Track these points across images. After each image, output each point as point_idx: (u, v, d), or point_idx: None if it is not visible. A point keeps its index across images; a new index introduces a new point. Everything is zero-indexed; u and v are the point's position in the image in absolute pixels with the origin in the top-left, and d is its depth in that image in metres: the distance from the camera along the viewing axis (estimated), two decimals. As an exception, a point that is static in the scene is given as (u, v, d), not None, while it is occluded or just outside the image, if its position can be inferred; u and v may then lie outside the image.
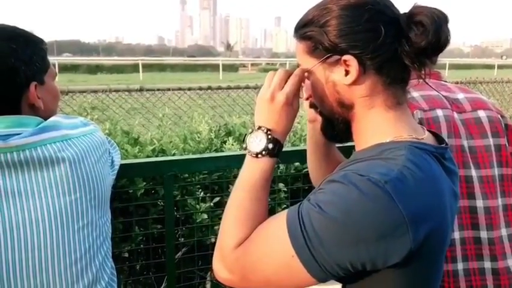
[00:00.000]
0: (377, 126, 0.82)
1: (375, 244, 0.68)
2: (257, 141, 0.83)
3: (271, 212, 1.92)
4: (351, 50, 0.78)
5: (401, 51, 0.77)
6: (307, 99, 0.93)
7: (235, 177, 1.87)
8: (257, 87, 4.73)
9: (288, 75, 0.86)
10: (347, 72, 0.79)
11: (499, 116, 1.35)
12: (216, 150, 2.10)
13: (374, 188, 0.68)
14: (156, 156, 2.01)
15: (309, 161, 1.17)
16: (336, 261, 0.69)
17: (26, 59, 0.97)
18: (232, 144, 2.03)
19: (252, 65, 34.55)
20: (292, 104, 0.85)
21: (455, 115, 1.28)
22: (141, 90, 4.03)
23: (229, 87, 4.56)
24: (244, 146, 0.85)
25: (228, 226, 0.80)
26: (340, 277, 0.72)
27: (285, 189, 1.96)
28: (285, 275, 0.73)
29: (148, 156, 1.95)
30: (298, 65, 0.89)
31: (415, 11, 0.77)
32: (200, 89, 4.36)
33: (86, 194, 0.99)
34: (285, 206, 1.97)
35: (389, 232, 0.68)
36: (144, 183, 1.79)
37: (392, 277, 0.73)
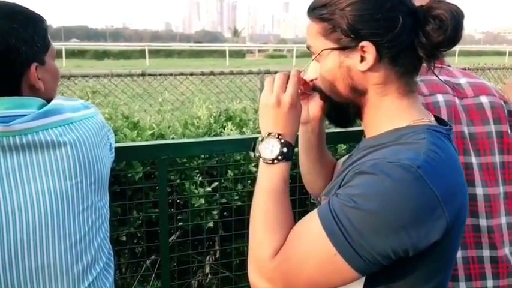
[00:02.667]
0: (391, 112, 0.83)
1: (415, 229, 0.70)
2: (270, 148, 0.82)
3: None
4: (370, 36, 0.78)
5: (417, 42, 0.79)
6: (311, 81, 0.91)
7: (234, 162, 1.91)
8: (260, 73, 4.68)
9: (287, 77, 0.86)
10: (362, 59, 0.80)
11: (502, 102, 1.32)
12: (216, 135, 2.10)
13: (407, 174, 0.70)
14: (155, 140, 2.01)
15: (302, 165, 1.16)
16: (379, 252, 0.70)
17: (27, 38, 0.95)
18: (231, 129, 2.02)
19: (259, 51, 34.33)
20: (296, 105, 0.85)
21: (457, 100, 1.26)
22: (143, 75, 4.01)
23: (232, 73, 4.52)
24: (256, 154, 0.84)
25: (259, 236, 0.80)
26: (382, 267, 0.73)
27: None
28: (329, 275, 0.73)
29: (147, 141, 1.95)
30: (307, 47, 0.88)
31: (434, 5, 0.79)
32: (203, 74, 4.32)
33: (87, 178, 0.99)
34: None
35: (427, 215, 0.70)
36: (142, 167, 1.80)
37: (429, 256, 0.75)
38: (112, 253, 1.12)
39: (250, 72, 4.71)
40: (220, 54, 27.62)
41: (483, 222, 1.17)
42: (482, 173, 1.19)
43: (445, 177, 0.73)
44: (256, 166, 1.96)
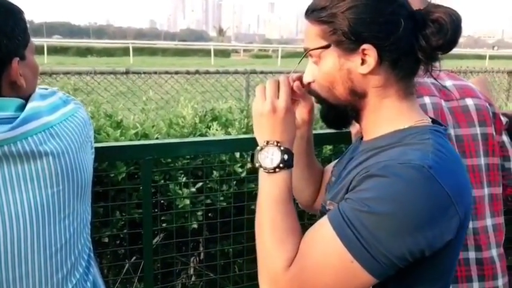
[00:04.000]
0: (392, 114, 0.83)
1: (430, 229, 0.69)
2: (270, 157, 0.82)
3: (256, 197, 1.93)
4: (372, 40, 0.78)
5: (417, 46, 0.79)
6: (308, 84, 0.90)
7: (220, 162, 1.88)
8: (246, 72, 4.66)
9: (278, 83, 0.85)
10: (363, 62, 0.79)
11: (487, 104, 1.34)
12: (201, 135, 2.07)
13: (419, 174, 0.69)
14: (139, 140, 1.97)
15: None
16: (396, 255, 0.69)
17: (8, 31, 0.89)
18: (217, 130, 1.99)
19: (245, 50, 34.29)
20: (291, 110, 0.85)
21: (443, 103, 1.27)
22: (127, 73, 3.95)
23: (217, 72, 4.49)
24: (257, 164, 0.83)
25: (270, 248, 0.78)
26: (399, 270, 0.72)
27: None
28: (346, 282, 0.72)
29: (130, 140, 1.91)
30: (305, 49, 0.87)
31: (432, 9, 0.79)
32: (188, 73, 4.29)
33: (70, 185, 0.95)
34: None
35: (442, 214, 0.70)
36: (125, 167, 1.76)
37: (441, 255, 0.74)
38: (93, 255, 1.09)
39: (236, 72, 4.68)
40: (205, 53, 27.50)
41: (469, 224, 1.18)
42: (468, 175, 1.20)
43: (454, 176, 0.74)
44: (242, 167, 1.96)
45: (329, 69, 0.82)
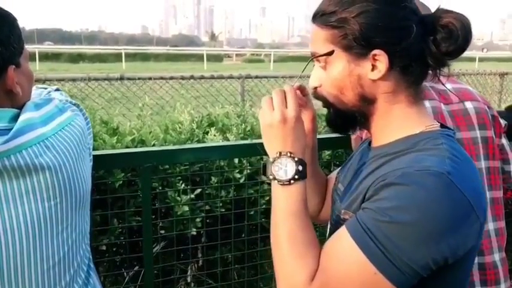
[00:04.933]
0: (402, 120, 0.82)
1: (453, 236, 0.68)
2: (284, 168, 0.80)
3: (255, 203, 1.92)
4: (383, 45, 0.77)
5: (427, 51, 0.78)
6: (315, 89, 0.89)
7: (218, 168, 1.87)
8: (241, 77, 4.66)
9: (284, 93, 0.83)
10: (373, 67, 0.78)
11: (486, 107, 1.34)
12: (198, 141, 2.05)
13: (440, 181, 0.68)
14: (136, 147, 1.95)
15: None
16: (420, 264, 0.68)
17: (3, 38, 0.87)
18: (215, 135, 1.98)
19: (237, 55, 34.34)
20: (301, 118, 0.83)
21: (443, 106, 1.26)
22: (121, 79, 3.92)
23: (212, 77, 4.48)
24: (270, 177, 0.80)
25: (290, 263, 0.76)
26: (421, 278, 0.71)
27: (268, 181, 1.92)
28: None
29: (127, 147, 1.89)
30: (312, 54, 0.85)
31: (441, 14, 0.78)
32: (182, 78, 4.27)
33: (68, 198, 0.93)
34: (268, 197, 1.94)
35: (463, 221, 0.69)
36: (123, 174, 1.74)
37: (463, 261, 0.74)
38: (93, 265, 1.06)
39: (231, 77, 4.67)
40: (198, 58, 27.48)
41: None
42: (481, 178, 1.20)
43: (472, 182, 0.73)
44: (240, 172, 1.95)
45: (338, 74, 0.81)
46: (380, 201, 0.71)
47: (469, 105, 1.33)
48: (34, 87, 1.09)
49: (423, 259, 0.68)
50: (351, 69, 0.80)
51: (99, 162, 1.15)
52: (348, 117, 0.85)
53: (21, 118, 0.89)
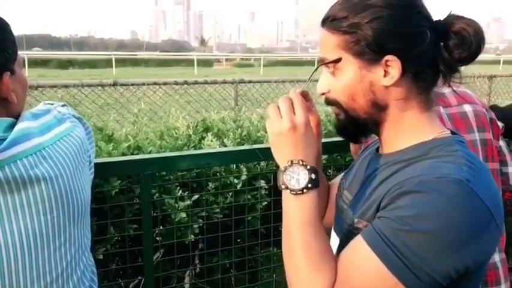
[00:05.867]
0: (414, 127, 0.81)
1: (474, 244, 0.67)
2: (296, 177, 0.77)
3: (253, 209, 1.90)
4: (396, 51, 0.75)
5: (439, 58, 0.77)
6: (323, 94, 0.87)
7: (215, 174, 1.85)
8: (234, 82, 4.65)
9: (290, 99, 0.81)
10: (386, 73, 0.77)
11: (484, 109, 1.35)
12: (195, 147, 2.04)
13: (460, 189, 0.67)
14: (132, 153, 1.93)
15: None
16: (441, 274, 0.67)
17: None
18: (212, 141, 1.96)
19: (227, 60, 34.35)
20: (310, 124, 0.80)
21: (442, 109, 1.26)
22: (114, 85, 3.88)
23: (206, 82, 4.47)
24: (282, 186, 0.78)
25: (307, 275, 0.74)
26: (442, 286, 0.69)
27: (266, 186, 1.92)
28: None
29: (123, 154, 1.87)
30: (321, 60, 0.83)
31: (453, 20, 0.78)
32: (176, 83, 4.24)
33: (65, 211, 0.88)
34: (265, 203, 1.93)
35: (484, 229, 0.68)
36: (119, 181, 1.72)
37: (481, 268, 0.73)
38: (96, 279, 1.03)
39: (224, 82, 4.66)
40: (188, 63, 27.43)
41: None
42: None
43: (490, 189, 0.72)
44: (238, 178, 1.93)
45: (349, 80, 0.79)
46: (398, 209, 0.69)
47: (467, 108, 1.33)
48: (41, 104, 1.06)
49: (444, 269, 0.66)
50: (362, 76, 0.78)
51: (98, 170, 1.12)
52: (358, 125, 0.84)
53: (17, 127, 0.86)
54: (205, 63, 30.32)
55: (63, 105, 1.12)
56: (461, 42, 0.76)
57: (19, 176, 0.81)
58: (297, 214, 0.77)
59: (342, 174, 1.15)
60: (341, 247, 0.83)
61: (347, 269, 0.72)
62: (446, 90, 1.31)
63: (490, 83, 7.26)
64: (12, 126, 0.86)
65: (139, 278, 1.72)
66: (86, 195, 0.96)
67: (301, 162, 0.77)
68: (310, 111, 0.96)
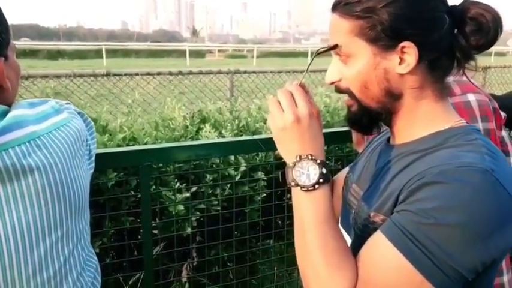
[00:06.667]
0: (429, 116, 0.77)
1: (500, 235, 0.64)
2: (306, 173, 0.73)
3: (252, 201, 1.88)
4: (413, 37, 0.72)
5: (456, 45, 0.74)
6: (332, 83, 0.83)
7: (213, 165, 1.82)
8: (230, 72, 4.60)
9: (290, 91, 0.77)
10: (401, 60, 0.73)
11: (488, 99, 1.34)
12: (192, 138, 2.00)
13: (485, 178, 0.64)
14: (127, 144, 1.89)
15: None
16: (468, 268, 0.64)
17: None
18: (210, 132, 1.93)
19: (219, 51, 34.13)
20: (314, 115, 0.76)
21: (446, 99, 1.25)
22: (107, 75, 3.81)
23: (201, 72, 4.42)
24: (292, 183, 0.74)
25: (326, 276, 0.70)
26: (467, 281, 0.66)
27: (265, 177, 1.90)
28: None
29: (118, 145, 1.83)
30: (333, 46, 0.79)
31: (469, 5, 0.74)
32: (170, 73, 4.19)
33: (61, 203, 0.84)
34: (264, 194, 1.91)
35: (509, 219, 0.65)
36: (115, 173, 1.68)
37: (501, 260, 0.71)
38: (98, 276, 0.98)
39: (220, 72, 4.61)
40: (180, 54, 27.23)
41: None
42: None
43: (510, 177, 0.69)
44: (236, 169, 1.91)
45: (362, 68, 0.76)
46: (420, 202, 0.66)
47: (471, 97, 1.32)
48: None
49: (471, 262, 0.64)
50: (376, 63, 0.74)
51: (96, 161, 1.08)
52: (372, 115, 0.80)
53: (11, 114, 0.81)
54: (197, 54, 30.11)
55: (66, 103, 1.09)
56: (478, 28, 0.73)
57: (11, 164, 0.76)
58: (310, 212, 0.73)
59: (346, 169, 1.12)
60: (356, 243, 0.80)
61: (368, 267, 0.69)
62: (450, 79, 1.29)
63: (485, 74, 7.28)
64: (5, 113, 0.81)
65: (139, 272, 1.69)
66: (84, 187, 0.92)
67: (310, 157, 0.73)
68: (311, 103, 0.92)
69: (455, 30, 0.75)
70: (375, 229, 0.73)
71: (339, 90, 0.82)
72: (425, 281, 0.64)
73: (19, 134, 0.79)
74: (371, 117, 0.80)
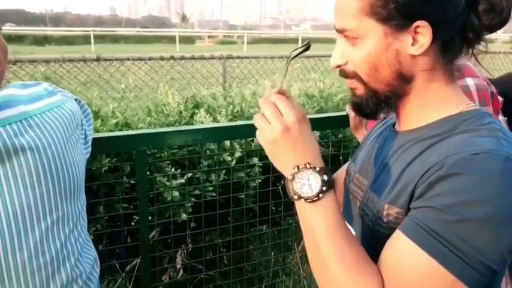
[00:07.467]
0: (440, 100, 0.75)
1: None
2: (307, 183, 0.69)
3: (247, 187, 1.87)
4: (427, 16, 0.68)
5: (469, 25, 0.71)
6: (338, 66, 0.79)
7: (207, 151, 1.80)
8: (223, 58, 4.55)
9: (272, 102, 0.72)
10: (414, 41, 0.70)
11: (486, 83, 1.33)
12: (186, 123, 1.98)
13: (505, 166, 0.62)
14: (121, 130, 1.86)
15: None
16: (497, 261, 0.62)
17: None
18: (205, 117, 1.90)
19: (209, 37, 33.78)
20: (302, 120, 0.71)
21: (445, 83, 1.23)
22: (97, 60, 3.74)
23: (193, 57, 4.35)
24: (295, 197, 0.70)
25: (352, 285, 0.66)
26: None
27: (260, 163, 1.88)
28: None
29: (111, 131, 1.80)
30: (340, 30, 0.75)
31: None
32: (162, 58, 4.12)
33: (55, 185, 0.81)
34: (259, 180, 1.89)
35: None
36: (108, 159, 1.66)
37: None
38: (94, 261, 0.97)
39: (212, 57, 4.55)
40: (169, 40, 26.89)
41: None
42: None
43: None
44: (231, 155, 1.89)
45: (372, 49, 0.72)
46: (440, 197, 0.63)
47: (470, 81, 1.32)
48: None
49: (501, 255, 0.61)
50: (388, 44, 0.71)
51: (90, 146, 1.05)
52: (379, 98, 0.76)
53: (2, 93, 0.79)
54: (187, 40, 29.77)
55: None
56: (491, 7, 0.70)
57: (2, 144, 0.74)
58: (320, 223, 0.69)
59: (347, 164, 1.09)
60: (367, 235, 0.78)
61: (394, 272, 0.65)
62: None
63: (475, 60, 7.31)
64: None
65: (135, 259, 1.68)
66: (80, 171, 0.89)
67: (308, 166, 0.69)
68: (295, 108, 0.87)
69: (472, 9, 0.72)
70: (390, 222, 0.71)
71: (344, 74, 0.78)
72: (456, 281, 0.61)
73: (10, 113, 0.77)
74: (378, 100, 0.77)
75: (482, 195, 0.61)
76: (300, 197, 0.69)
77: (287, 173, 0.71)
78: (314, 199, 0.69)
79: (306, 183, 0.69)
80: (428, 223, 0.63)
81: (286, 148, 0.70)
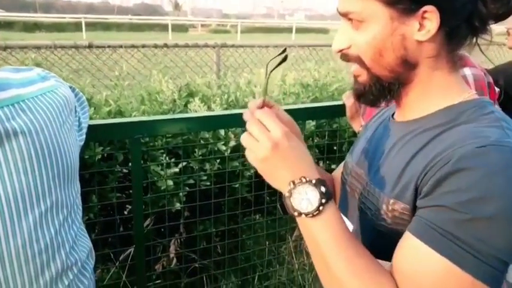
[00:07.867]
0: (443, 89, 0.73)
1: None
2: (305, 198, 0.67)
3: (241, 176, 1.86)
4: (436, 1, 0.66)
5: (476, 12, 0.69)
6: (340, 51, 0.76)
7: (201, 140, 1.78)
8: (217, 46, 4.50)
9: (257, 117, 0.70)
10: (421, 26, 0.68)
11: (483, 73, 1.34)
12: (181, 112, 1.96)
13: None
14: (114, 118, 1.83)
15: None
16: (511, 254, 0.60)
17: None
18: (199, 106, 1.88)
19: (202, 25, 33.51)
20: (290, 133, 0.69)
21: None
22: (89, 47, 3.67)
23: (187, 45, 4.30)
24: (295, 213, 0.68)
25: None
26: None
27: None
28: None
29: (104, 119, 1.77)
30: (344, 13, 0.73)
31: None
32: (156, 46, 4.07)
33: (48, 170, 0.79)
34: (254, 170, 1.88)
35: None
36: (101, 147, 1.64)
37: None
38: (89, 251, 0.95)
39: (206, 45, 4.51)
40: (162, 28, 26.64)
41: None
42: None
43: None
44: (226, 144, 1.87)
45: (378, 33, 0.70)
46: (450, 194, 0.61)
47: (467, 71, 1.32)
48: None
49: None
50: (394, 28, 0.69)
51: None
52: (383, 85, 0.75)
53: None
54: (180, 28, 29.52)
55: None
56: None
57: None
58: (325, 236, 0.67)
59: (348, 154, 1.08)
60: (368, 230, 0.76)
61: (409, 278, 0.63)
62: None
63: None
64: None
65: (130, 247, 1.66)
66: (74, 157, 0.87)
67: (304, 180, 0.67)
68: (280, 118, 0.79)
69: None
70: (395, 218, 0.70)
71: (347, 58, 0.76)
72: (475, 281, 0.59)
73: (1, 96, 0.75)
74: (381, 88, 0.75)
75: (491, 190, 0.59)
76: (300, 213, 0.67)
77: (284, 190, 0.68)
78: (315, 214, 0.67)
79: (304, 197, 0.67)
80: (441, 224, 0.61)
81: (278, 164, 0.68)
